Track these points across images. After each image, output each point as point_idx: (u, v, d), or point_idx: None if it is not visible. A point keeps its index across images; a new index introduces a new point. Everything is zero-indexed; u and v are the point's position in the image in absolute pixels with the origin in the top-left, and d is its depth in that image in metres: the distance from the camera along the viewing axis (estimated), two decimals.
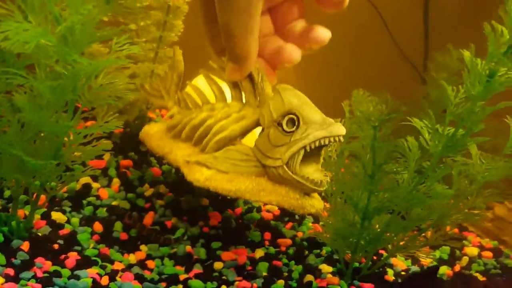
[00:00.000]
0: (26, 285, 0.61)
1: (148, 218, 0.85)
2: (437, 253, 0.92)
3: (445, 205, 0.74)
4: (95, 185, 0.88)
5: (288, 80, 0.74)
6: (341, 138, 0.64)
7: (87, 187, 0.87)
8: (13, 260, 0.66)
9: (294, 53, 0.69)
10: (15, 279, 0.63)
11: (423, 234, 0.76)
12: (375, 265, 0.78)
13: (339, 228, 0.71)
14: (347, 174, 0.73)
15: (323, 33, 0.69)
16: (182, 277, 0.74)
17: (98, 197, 0.86)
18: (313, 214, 0.79)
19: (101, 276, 0.69)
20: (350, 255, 0.75)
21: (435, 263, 0.86)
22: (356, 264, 0.77)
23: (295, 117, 0.66)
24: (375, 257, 0.81)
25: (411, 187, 0.70)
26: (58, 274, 0.65)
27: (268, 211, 0.94)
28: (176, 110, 0.84)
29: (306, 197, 0.68)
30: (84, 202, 0.84)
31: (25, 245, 0.68)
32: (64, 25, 0.58)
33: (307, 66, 0.89)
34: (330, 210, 0.75)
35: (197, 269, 0.77)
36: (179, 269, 0.76)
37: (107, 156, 0.93)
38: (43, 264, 0.66)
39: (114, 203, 0.86)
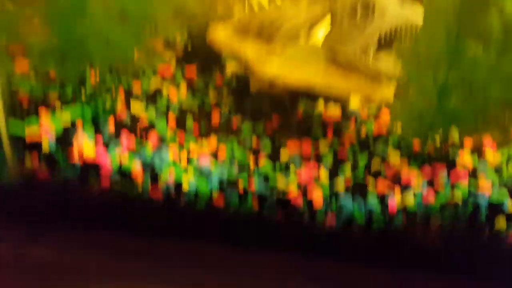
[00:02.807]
0: (116, 156, 0.62)
1: (215, 117, 0.86)
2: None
3: None
4: (165, 88, 0.89)
5: None
6: (417, 25, 0.61)
7: (158, 91, 0.87)
8: (102, 132, 0.67)
9: None
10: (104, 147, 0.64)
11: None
12: (445, 148, 0.75)
13: (412, 109, 0.68)
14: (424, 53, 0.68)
15: None
16: (252, 162, 0.75)
17: (168, 99, 0.87)
18: (382, 103, 0.76)
19: (179, 155, 0.70)
20: (419, 141, 0.72)
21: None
22: (426, 151, 0.75)
23: (370, 4, 0.64)
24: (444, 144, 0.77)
25: (493, 62, 0.64)
26: (142, 150, 0.66)
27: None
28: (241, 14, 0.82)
29: (377, 85, 0.66)
30: (158, 100, 0.85)
31: (111, 121, 0.69)
32: None
33: None
34: (403, 94, 0.71)
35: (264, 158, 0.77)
36: (249, 156, 0.77)
37: (173, 64, 0.93)
38: (128, 139, 0.67)
39: (183, 104, 0.87)
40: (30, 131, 0.60)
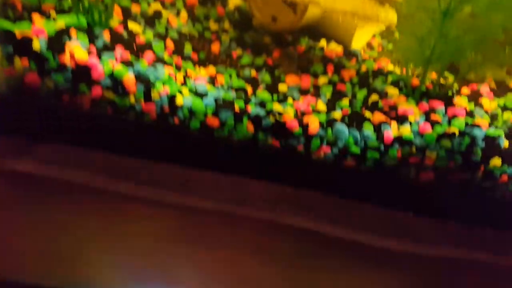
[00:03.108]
0: (108, 62, 0.60)
1: (215, 46, 0.83)
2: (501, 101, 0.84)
3: None
4: (165, 13, 0.85)
5: None
6: None
7: (158, 13, 0.84)
8: (95, 43, 0.64)
9: None
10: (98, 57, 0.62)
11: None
12: (442, 89, 0.73)
13: (413, 40, 0.66)
14: None
15: None
16: (250, 90, 0.73)
17: (168, 23, 0.84)
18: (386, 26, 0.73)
19: (175, 75, 0.67)
20: (418, 80, 0.70)
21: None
22: (424, 88, 0.73)
23: None
24: (443, 81, 0.75)
25: None
26: (136, 64, 0.64)
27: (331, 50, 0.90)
28: None
29: (381, 8, 0.64)
30: (157, 22, 0.82)
31: (106, 34, 0.67)
32: None
33: None
34: (404, 23, 0.69)
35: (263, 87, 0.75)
36: (247, 85, 0.75)
37: None
38: (123, 53, 0.65)
39: (183, 30, 0.84)
40: (22, 31, 0.57)
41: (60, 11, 0.66)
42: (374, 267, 0.62)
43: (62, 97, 0.59)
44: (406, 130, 0.64)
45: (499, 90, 0.82)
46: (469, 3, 0.62)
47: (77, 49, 0.58)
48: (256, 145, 0.67)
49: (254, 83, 0.77)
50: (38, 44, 0.56)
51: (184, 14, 0.88)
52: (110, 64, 0.59)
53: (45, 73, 0.57)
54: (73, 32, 0.62)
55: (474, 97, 0.78)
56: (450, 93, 0.72)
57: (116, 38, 0.67)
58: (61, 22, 0.62)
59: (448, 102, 0.72)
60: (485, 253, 0.63)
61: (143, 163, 0.66)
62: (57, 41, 0.58)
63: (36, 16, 0.63)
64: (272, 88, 0.76)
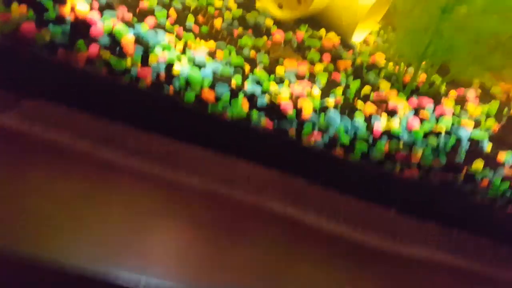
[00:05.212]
0: (109, 20, 0.56)
1: (218, 22, 0.80)
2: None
3: None
4: None
5: None
6: None
7: None
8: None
9: None
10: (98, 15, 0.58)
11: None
12: (433, 87, 0.72)
13: (408, 35, 0.64)
14: None
15: None
16: (248, 69, 0.70)
17: None
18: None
19: (175, 43, 0.64)
20: (410, 76, 0.69)
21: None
22: (414, 85, 0.72)
23: None
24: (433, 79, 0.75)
25: None
26: (137, 26, 0.60)
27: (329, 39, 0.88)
28: None
29: None
30: None
31: None
32: None
33: None
34: (401, 18, 0.67)
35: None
36: (245, 64, 0.72)
37: None
38: (125, 14, 0.61)
39: (187, 2, 0.80)
40: None
41: None
42: (355, 261, 0.60)
43: (57, 51, 0.56)
44: (394, 124, 0.63)
45: (484, 96, 0.81)
46: (466, 3, 0.61)
47: (79, 2, 0.54)
48: (248, 125, 0.64)
49: (253, 63, 0.74)
50: None
51: None
52: (111, 22, 0.56)
53: (43, 23, 0.53)
54: None
55: (461, 101, 0.78)
56: (440, 92, 0.70)
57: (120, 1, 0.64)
58: None
59: (437, 101, 0.71)
60: (461, 257, 0.63)
61: (131, 131, 0.62)
62: None
63: None
64: (269, 71, 0.74)
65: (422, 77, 0.75)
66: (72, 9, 0.54)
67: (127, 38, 0.56)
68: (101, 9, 0.59)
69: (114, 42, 0.56)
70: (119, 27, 0.57)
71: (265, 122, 0.64)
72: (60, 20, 0.54)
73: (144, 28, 0.60)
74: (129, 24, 0.59)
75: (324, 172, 0.65)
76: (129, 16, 0.61)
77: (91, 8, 0.57)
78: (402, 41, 0.66)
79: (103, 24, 0.55)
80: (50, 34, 0.54)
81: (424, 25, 0.63)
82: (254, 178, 0.66)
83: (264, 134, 0.65)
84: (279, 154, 0.65)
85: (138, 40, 0.58)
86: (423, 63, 0.67)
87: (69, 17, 0.53)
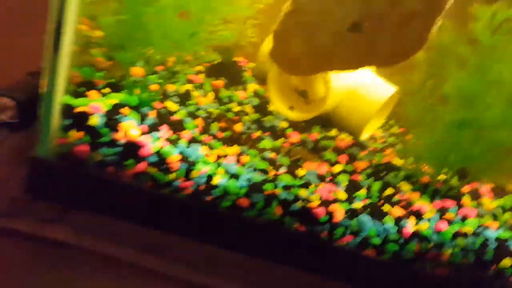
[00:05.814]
0: (158, 139, 0.60)
1: (238, 126, 0.85)
2: None
3: None
4: (194, 93, 0.88)
5: None
6: None
7: (188, 93, 0.86)
8: (144, 121, 0.65)
9: None
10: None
11: None
12: (452, 190, 0.76)
13: (425, 144, 0.69)
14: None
15: None
16: (271, 173, 0.73)
17: (197, 102, 0.86)
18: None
19: (210, 154, 0.68)
20: (428, 177, 0.73)
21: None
22: (434, 187, 0.76)
23: None
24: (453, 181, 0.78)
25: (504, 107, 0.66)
26: (178, 142, 0.64)
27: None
28: None
29: None
30: (188, 102, 0.84)
31: (152, 114, 0.67)
32: None
33: None
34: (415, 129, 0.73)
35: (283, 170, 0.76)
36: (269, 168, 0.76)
37: (202, 76, 0.94)
38: (166, 131, 0.66)
39: (210, 110, 0.86)
40: (80, 104, 0.57)
41: (110, 85, 0.67)
42: None
43: (107, 169, 0.59)
44: (423, 226, 0.66)
45: (498, 190, 0.84)
46: (481, 119, 0.67)
47: (131, 127, 0.58)
48: (280, 229, 0.66)
49: (274, 165, 0.78)
50: (95, 120, 0.56)
51: (210, 95, 0.91)
52: (159, 143, 0.60)
53: (97, 146, 0.56)
54: (126, 109, 0.62)
55: (475, 196, 0.81)
56: (458, 193, 0.74)
57: (161, 117, 0.68)
58: (114, 99, 0.62)
59: (457, 200, 0.75)
60: None
61: (171, 239, 0.64)
62: (112, 118, 0.58)
63: (92, 92, 0.63)
64: (291, 172, 0.77)
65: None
66: (125, 133, 0.58)
67: (174, 156, 0.60)
68: (149, 131, 0.64)
69: (161, 160, 0.60)
70: (167, 148, 0.61)
71: (297, 225, 0.66)
72: (113, 143, 0.58)
73: (183, 143, 0.64)
74: (172, 142, 0.63)
75: (356, 272, 0.67)
76: (170, 133, 0.65)
77: (141, 131, 0.62)
78: (420, 150, 0.71)
79: (153, 145, 0.59)
80: (102, 155, 0.57)
81: (440, 137, 0.69)
82: (289, 280, 0.66)
83: (296, 237, 0.67)
84: (313, 256, 0.66)
85: (183, 158, 0.61)
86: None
87: (122, 140, 0.57)
